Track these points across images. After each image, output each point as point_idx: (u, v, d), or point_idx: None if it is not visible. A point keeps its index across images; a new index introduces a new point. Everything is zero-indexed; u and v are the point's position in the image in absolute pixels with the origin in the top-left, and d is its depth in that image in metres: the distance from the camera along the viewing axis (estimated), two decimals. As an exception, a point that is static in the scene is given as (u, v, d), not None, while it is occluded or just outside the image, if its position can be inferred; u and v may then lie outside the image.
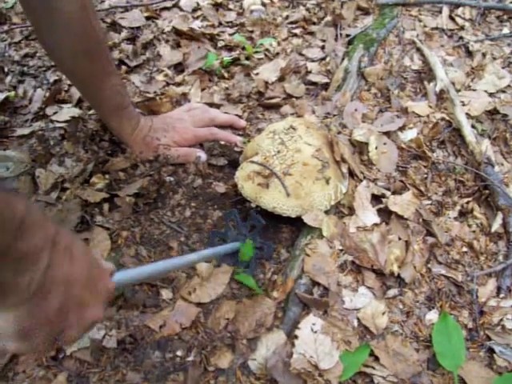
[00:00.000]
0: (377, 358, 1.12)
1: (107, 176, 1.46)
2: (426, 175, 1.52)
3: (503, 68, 1.91)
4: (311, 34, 2.09)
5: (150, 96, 1.75)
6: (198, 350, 1.13)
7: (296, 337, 1.11)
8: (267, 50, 1.98)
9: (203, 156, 1.51)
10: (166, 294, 1.22)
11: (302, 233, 1.33)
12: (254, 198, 1.31)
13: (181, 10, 2.17)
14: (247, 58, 1.93)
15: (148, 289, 1.23)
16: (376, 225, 1.33)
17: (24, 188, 1.43)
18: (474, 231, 1.41)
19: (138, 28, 2.04)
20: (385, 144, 1.56)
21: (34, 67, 1.95)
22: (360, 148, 1.54)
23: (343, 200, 1.39)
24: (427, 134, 1.63)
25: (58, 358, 1.11)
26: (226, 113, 1.67)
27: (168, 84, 1.82)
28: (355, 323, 1.18)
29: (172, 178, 1.46)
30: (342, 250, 1.28)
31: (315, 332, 1.12)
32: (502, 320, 1.21)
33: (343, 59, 1.89)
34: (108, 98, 1.44)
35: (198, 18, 2.14)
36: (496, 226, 1.40)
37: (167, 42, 2.00)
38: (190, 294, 1.22)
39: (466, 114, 1.68)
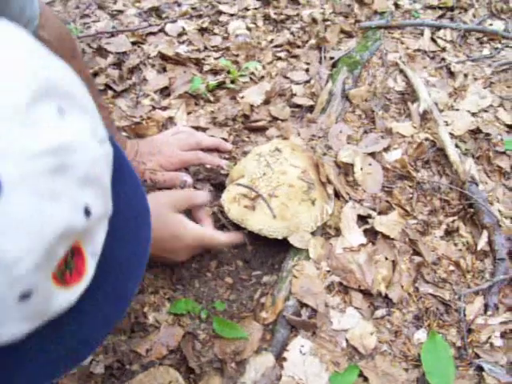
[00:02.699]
0: (366, 379, 1.11)
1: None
2: (411, 195, 1.54)
3: (485, 88, 1.95)
4: (296, 57, 2.12)
5: (136, 120, 1.75)
6: (186, 374, 1.12)
7: (285, 359, 1.11)
8: (252, 73, 2.00)
9: (189, 180, 1.51)
10: (153, 318, 1.21)
11: (289, 254, 1.33)
12: (241, 220, 1.31)
13: (166, 34, 2.19)
14: (232, 82, 1.94)
15: (135, 313, 1.22)
16: (362, 245, 1.34)
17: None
18: (460, 250, 1.42)
19: (124, 53, 2.06)
20: (370, 165, 1.57)
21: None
22: (345, 169, 1.55)
23: (329, 221, 1.40)
24: (412, 154, 1.65)
25: (43, 385, 1.10)
26: (212, 136, 1.68)
27: (154, 108, 1.82)
28: (344, 344, 1.18)
29: (159, 202, 1.46)
30: (329, 271, 1.28)
31: (304, 354, 1.12)
32: (490, 338, 1.21)
33: (327, 82, 1.91)
34: None
35: (183, 42, 2.16)
36: (482, 244, 1.41)
37: (153, 66, 2.01)
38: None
39: (450, 133, 1.70)
